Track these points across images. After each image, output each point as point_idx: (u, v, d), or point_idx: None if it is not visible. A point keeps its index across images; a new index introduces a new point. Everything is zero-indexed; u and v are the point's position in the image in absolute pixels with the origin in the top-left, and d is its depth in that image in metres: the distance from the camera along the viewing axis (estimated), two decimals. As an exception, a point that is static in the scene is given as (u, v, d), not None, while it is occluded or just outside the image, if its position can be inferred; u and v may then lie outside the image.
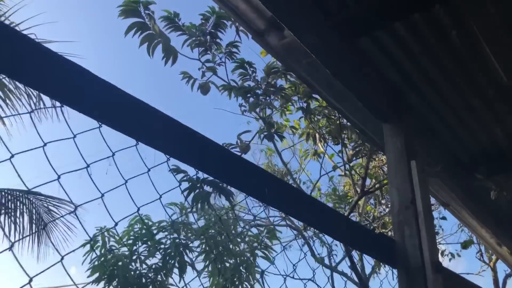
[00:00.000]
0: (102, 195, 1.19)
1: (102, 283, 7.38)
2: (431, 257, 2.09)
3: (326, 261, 7.79)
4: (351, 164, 4.49)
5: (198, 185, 2.81)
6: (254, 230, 8.14)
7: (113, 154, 1.22)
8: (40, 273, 1.00)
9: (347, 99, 2.81)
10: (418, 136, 2.74)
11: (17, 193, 7.00)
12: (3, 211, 6.71)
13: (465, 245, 5.75)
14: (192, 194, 2.82)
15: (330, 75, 2.58)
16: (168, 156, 1.32)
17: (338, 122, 3.75)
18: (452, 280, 2.46)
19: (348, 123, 3.50)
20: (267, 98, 3.43)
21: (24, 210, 6.98)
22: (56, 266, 1.06)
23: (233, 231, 8.46)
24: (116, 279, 7.32)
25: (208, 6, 3.17)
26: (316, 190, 6.61)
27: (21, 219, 7.04)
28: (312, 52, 2.16)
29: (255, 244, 8.24)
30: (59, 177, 1.05)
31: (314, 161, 5.20)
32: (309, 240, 7.11)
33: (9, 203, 6.88)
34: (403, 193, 2.30)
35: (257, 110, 3.56)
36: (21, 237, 6.98)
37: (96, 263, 7.42)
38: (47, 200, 7.32)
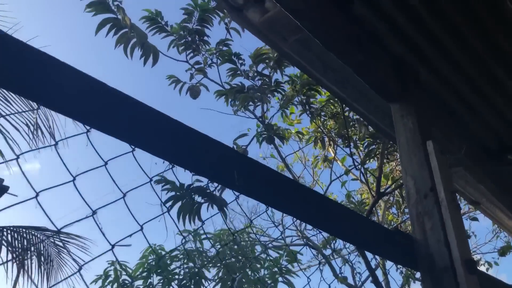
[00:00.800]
0: (141, 227, 1.10)
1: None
2: (461, 254, 1.67)
3: (350, 280, 7.23)
4: (364, 167, 4.08)
5: (181, 193, 2.43)
6: (271, 253, 7.67)
7: (151, 180, 1.10)
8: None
9: (348, 83, 2.46)
10: (434, 119, 2.36)
11: (23, 230, 6.75)
12: (8, 249, 6.45)
13: (503, 251, 5.17)
14: (177, 207, 2.45)
15: (325, 54, 2.24)
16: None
17: (343, 116, 3.35)
18: (487, 285, 2.02)
19: (356, 116, 3.13)
20: (263, 94, 3.08)
21: (31, 248, 6.69)
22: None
23: (251, 256, 8.01)
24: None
25: (188, -2, 2.88)
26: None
27: (28, 257, 6.77)
28: (296, 19, 1.83)
29: (275, 269, 7.78)
30: (94, 212, 0.98)
31: (325, 168, 4.78)
32: (329, 258, 6.61)
33: (15, 241, 6.61)
34: (420, 179, 1.91)
35: (251, 108, 3.22)
36: (28, 275, 6.68)
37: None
38: (54, 235, 7.03)
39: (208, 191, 2.46)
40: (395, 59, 2.21)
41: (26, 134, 5.66)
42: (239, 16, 2.11)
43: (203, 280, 7.27)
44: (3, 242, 6.51)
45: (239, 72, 3.11)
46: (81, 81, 1.01)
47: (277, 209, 1.32)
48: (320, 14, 1.90)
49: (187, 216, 2.43)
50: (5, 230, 6.68)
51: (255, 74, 3.05)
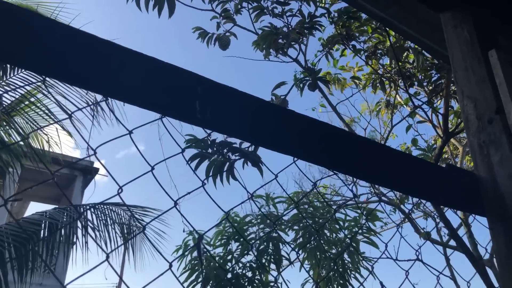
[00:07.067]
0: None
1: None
2: (542, 190, 1.25)
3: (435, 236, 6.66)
4: (433, 106, 3.49)
5: (207, 150, 2.17)
6: (350, 213, 7.34)
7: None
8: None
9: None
10: (502, 24, 1.85)
11: (103, 206, 7.04)
12: (93, 225, 6.77)
13: None
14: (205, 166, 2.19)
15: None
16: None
17: (390, 45, 2.83)
18: None
19: (409, 43, 2.63)
20: (292, 31, 2.69)
21: (112, 223, 6.97)
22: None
23: (329, 218, 7.72)
24: (211, 282, 7.03)
25: None
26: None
27: (112, 232, 7.08)
28: None
29: (355, 229, 7.44)
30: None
31: (394, 114, 4.23)
32: (410, 214, 6.08)
33: (97, 218, 6.92)
34: (481, 101, 1.48)
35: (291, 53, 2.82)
36: (115, 249, 7.00)
37: (190, 267, 7.23)
38: (133, 210, 7.27)
39: (234, 144, 2.17)
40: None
41: (88, 112, 5.79)
42: None
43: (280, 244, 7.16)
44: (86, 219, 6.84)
45: (265, 10, 2.72)
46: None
47: (266, 147, 1.00)
48: None
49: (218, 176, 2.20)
50: (87, 206, 7.04)
51: (282, 10, 2.64)
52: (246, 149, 2.20)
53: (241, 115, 0.99)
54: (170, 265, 0.77)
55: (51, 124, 5.94)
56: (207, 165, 2.22)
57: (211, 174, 2.14)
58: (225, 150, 2.17)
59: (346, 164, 1.10)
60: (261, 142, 1.00)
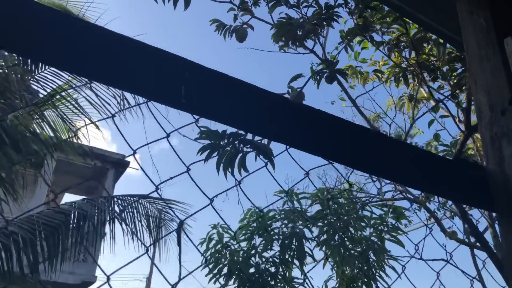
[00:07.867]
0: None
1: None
2: (555, 185, 1.18)
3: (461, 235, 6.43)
4: (458, 100, 3.35)
5: (219, 142, 2.15)
6: (375, 210, 7.20)
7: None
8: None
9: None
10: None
11: (130, 198, 7.17)
12: (120, 217, 6.91)
13: None
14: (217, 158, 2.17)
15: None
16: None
17: (407, 33, 2.72)
18: None
19: (429, 34, 2.53)
20: (308, 23, 2.63)
21: (138, 216, 7.08)
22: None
23: (354, 215, 7.60)
24: (234, 276, 7.05)
25: None
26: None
27: (139, 224, 7.19)
28: None
29: (381, 227, 7.30)
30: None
31: (418, 109, 4.09)
32: (435, 212, 5.91)
33: (124, 210, 7.05)
34: (495, 91, 1.41)
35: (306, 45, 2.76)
36: (140, 242, 7.11)
37: (213, 260, 7.27)
38: (158, 203, 7.36)
39: (242, 136, 2.14)
40: None
41: (116, 106, 5.90)
42: None
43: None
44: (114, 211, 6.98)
45: (281, 1, 2.68)
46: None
47: (256, 134, 0.98)
48: None
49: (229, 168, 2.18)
50: (115, 198, 7.18)
51: (298, 1, 2.59)
52: (259, 141, 2.17)
53: (228, 100, 0.98)
54: (147, 250, 0.77)
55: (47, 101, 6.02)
56: (218, 156, 2.21)
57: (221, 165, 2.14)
58: (235, 142, 2.15)
59: (343, 152, 1.07)
60: (248, 128, 0.98)
